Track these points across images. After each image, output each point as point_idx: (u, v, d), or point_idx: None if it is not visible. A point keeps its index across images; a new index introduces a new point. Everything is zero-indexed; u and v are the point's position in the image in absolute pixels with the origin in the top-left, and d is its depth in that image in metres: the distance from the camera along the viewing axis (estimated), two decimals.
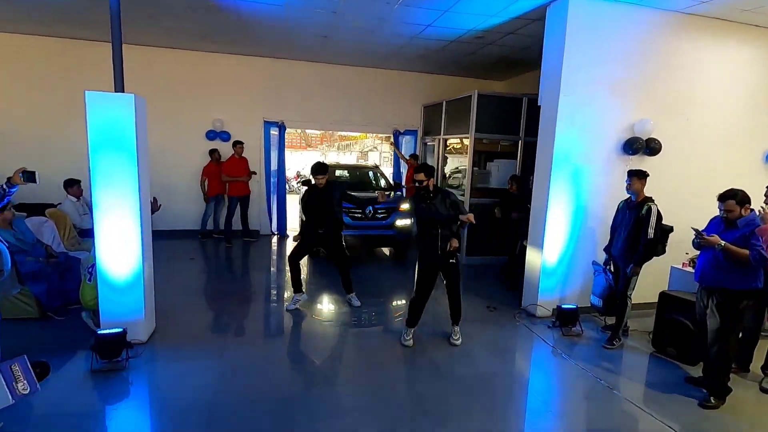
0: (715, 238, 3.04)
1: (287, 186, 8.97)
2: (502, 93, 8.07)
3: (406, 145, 9.01)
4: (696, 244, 3.22)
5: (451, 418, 2.95)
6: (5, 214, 3.84)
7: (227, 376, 3.37)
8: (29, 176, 2.82)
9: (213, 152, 7.41)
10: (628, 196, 4.05)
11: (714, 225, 3.27)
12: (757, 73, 4.98)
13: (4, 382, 0.86)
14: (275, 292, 5.52)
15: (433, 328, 4.33)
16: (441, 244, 3.80)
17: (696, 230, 3.16)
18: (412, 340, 3.96)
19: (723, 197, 3.11)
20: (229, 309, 4.77)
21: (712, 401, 3.18)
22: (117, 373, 3.29)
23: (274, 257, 7.29)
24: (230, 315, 4.64)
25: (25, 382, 0.89)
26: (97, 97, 3.34)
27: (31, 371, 0.91)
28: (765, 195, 3.80)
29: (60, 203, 5.62)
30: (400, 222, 6.58)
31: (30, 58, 6.96)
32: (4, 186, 2.76)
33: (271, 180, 8.42)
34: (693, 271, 4.15)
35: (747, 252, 2.93)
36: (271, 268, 6.66)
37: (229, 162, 7.28)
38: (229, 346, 3.90)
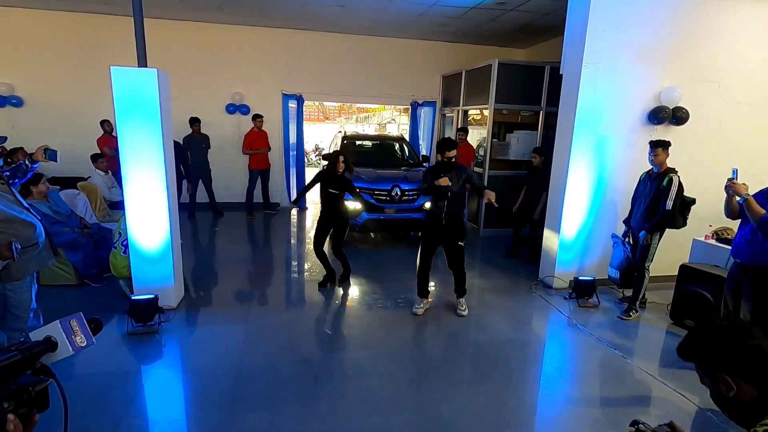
0: (744, 186, 2.92)
1: (305, 159, 9.05)
2: (524, 61, 7.84)
3: (425, 117, 8.91)
4: (726, 188, 3.03)
5: (467, 382, 3.07)
6: (40, 188, 4.03)
7: (252, 339, 3.56)
8: (52, 154, 2.86)
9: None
10: (651, 167, 3.97)
11: (761, 195, 3.03)
12: None
13: (64, 335, 0.98)
14: (296, 263, 5.69)
15: (449, 300, 4.43)
16: (446, 216, 3.84)
17: (735, 170, 2.99)
18: (422, 309, 4.06)
19: None
20: (253, 278, 4.96)
21: None
22: (151, 335, 3.51)
23: (294, 229, 7.45)
24: (254, 283, 4.83)
25: (82, 335, 1.00)
26: (122, 72, 3.43)
27: (87, 326, 1.03)
28: None
29: (89, 177, 5.84)
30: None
31: (52, 34, 7.09)
32: (27, 162, 2.83)
33: (290, 153, 8.49)
34: (716, 243, 4.11)
35: (763, 212, 2.82)
36: (291, 240, 6.83)
37: (249, 135, 7.35)
38: (253, 312, 4.08)
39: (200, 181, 7.29)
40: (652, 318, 4.19)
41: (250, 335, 3.62)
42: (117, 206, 5.76)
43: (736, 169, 2.99)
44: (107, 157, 6.03)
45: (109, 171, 5.94)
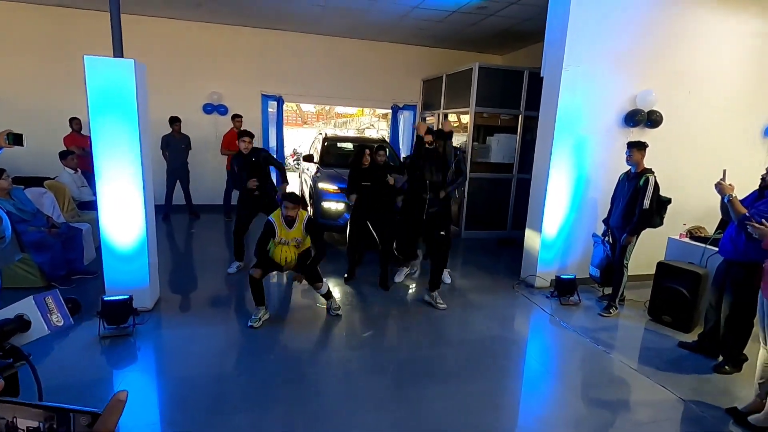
0: (731, 186, 3.03)
1: (284, 163, 8.91)
2: (504, 66, 7.99)
3: (405, 120, 8.94)
4: (715, 186, 3.13)
5: (453, 377, 3.05)
6: (1, 183, 3.80)
7: (233, 341, 3.44)
8: (16, 138, 2.67)
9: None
10: (629, 168, 4.08)
11: (750, 196, 3.16)
12: (758, 47, 4.95)
13: (39, 313, 0.88)
14: None
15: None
16: (427, 208, 3.85)
17: (724, 170, 3.10)
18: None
19: None
20: (231, 279, 4.81)
21: (728, 368, 3.26)
22: (124, 338, 3.34)
23: None
24: (231, 285, 4.68)
25: (58, 314, 0.91)
26: (97, 62, 3.29)
27: (64, 305, 0.93)
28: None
29: (56, 176, 5.57)
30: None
31: (23, 26, 6.78)
32: None
33: None
34: (690, 241, 4.24)
35: (744, 211, 2.94)
36: None
37: (228, 135, 7.17)
38: (232, 313, 3.96)
39: (177, 181, 7.07)
40: (631, 315, 4.29)
41: (230, 337, 3.50)
42: (87, 206, 5.52)
43: (725, 170, 3.12)
44: (77, 155, 5.78)
45: (79, 169, 5.69)
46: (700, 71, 4.80)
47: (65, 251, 4.25)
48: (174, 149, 6.88)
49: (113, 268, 3.58)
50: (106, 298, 3.34)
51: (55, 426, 0.48)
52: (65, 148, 5.90)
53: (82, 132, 6.48)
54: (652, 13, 4.52)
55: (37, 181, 5.21)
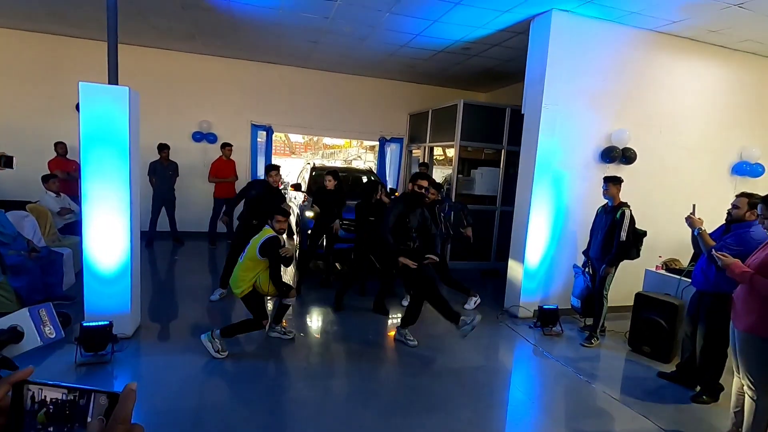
0: (700, 220, 3.19)
1: None
2: (487, 103, 8.33)
3: (392, 153, 9.15)
4: (686, 219, 3.29)
5: (438, 408, 3.03)
6: None
7: (213, 369, 3.37)
8: (6, 161, 2.75)
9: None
10: (606, 201, 4.25)
11: (719, 230, 3.29)
12: (723, 90, 5.32)
13: (33, 325, 0.91)
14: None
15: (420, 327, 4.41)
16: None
17: (693, 205, 3.26)
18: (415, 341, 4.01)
19: (740, 194, 3.14)
20: (212, 308, 4.74)
21: (705, 398, 3.32)
22: (102, 366, 3.25)
23: None
24: (213, 313, 4.61)
25: (51, 326, 0.93)
26: (92, 88, 3.35)
27: (56, 318, 0.96)
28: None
29: (38, 200, 5.50)
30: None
31: (16, 54, 6.85)
32: None
33: None
34: (666, 273, 4.39)
35: (713, 243, 3.09)
36: None
37: (216, 163, 7.24)
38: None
39: (162, 208, 7.03)
40: (612, 345, 4.35)
41: (210, 366, 3.42)
42: (68, 230, 5.44)
43: (695, 204, 3.29)
44: (59, 179, 5.73)
45: (62, 193, 5.64)
46: (669, 112, 5.11)
47: (44, 276, 4.16)
48: (161, 176, 6.89)
49: (95, 292, 3.51)
50: (85, 324, 3.27)
51: (76, 399, 0.52)
52: (47, 172, 5.86)
53: (67, 156, 6.45)
54: (623, 57, 4.84)
55: (20, 206, 5.13)
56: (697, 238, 3.17)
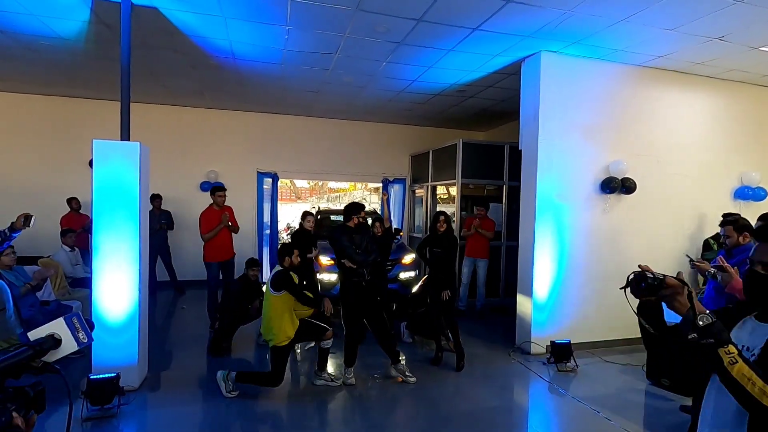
0: (706, 264, 3.16)
1: (278, 237, 9.04)
2: (486, 141, 8.54)
3: (395, 193, 9.29)
4: (694, 268, 3.21)
5: None
6: (3, 260, 3.87)
7: (221, 423, 3.29)
8: (26, 219, 2.96)
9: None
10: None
11: (720, 253, 3.23)
12: (717, 118, 5.43)
13: (69, 332, 1.02)
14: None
15: (428, 366, 4.32)
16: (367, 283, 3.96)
17: (689, 257, 3.26)
18: (353, 378, 3.94)
19: (723, 223, 3.14)
20: (220, 358, 4.68)
21: None
22: (107, 420, 3.20)
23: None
24: (221, 364, 4.54)
25: (83, 332, 1.04)
26: (105, 145, 3.53)
27: (86, 324, 1.07)
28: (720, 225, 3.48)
29: (51, 254, 5.62)
30: (404, 275, 6.03)
31: (25, 116, 7.22)
32: (6, 231, 2.87)
33: (264, 232, 8.51)
34: None
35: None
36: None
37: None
38: (219, 395, 3.80)
39: (158, 257, 7.05)
40: (630, 379, 4.21)
41: (220, 419, 3.36)
42: (79, 283, 5.51)
43: (688, 255, 3.25)
44: (76, 233, 5.87)
45: (76, 248, 5.77)
46: (664, 142, 5.20)
47: None
48: (152, 226, 6.14)
49: (102, 343, 3.51)
50: (92, 377, 3.26)
51: None
52: (62, 228, 6.02)
53: (80, 211, 6.63)
54: (613, 91, 5.00)
55: (32, 261, 5.25)
56: (717, 274, 3.11)
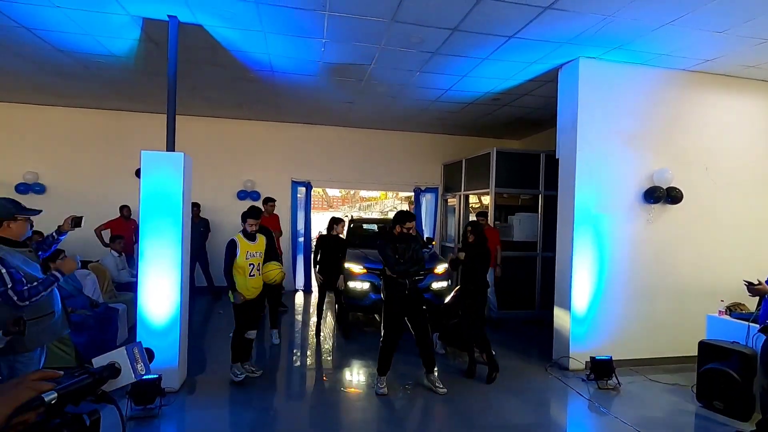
0: (764, 286, 3.00)
1: (311, 245, 9.16)
2: (520, 149, 8.38)
3: (427, 202, 9.26)
4: (752, 291, 3.14)
5: None
6: (67, 264, 4.11)
7: (258, 425, 3.34)
8: (75, 221, 3.05)
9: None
10: None
11: None
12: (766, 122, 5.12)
13: (129, 362, 1.03)
14: (298, 349, 5.51)
15: (461, 379, 4.24)
16: (410, 286, 3.95)
17: (746, 282, 3.13)
18: (386, 388, 3.93)
19: None
20: (257, 361, 4.77)
21: None
22: (149, 420, 3.31)
23: (300, 311, 7.32)
24: (260, 364, 4.63)
25: (142, 364, 1.05)
26: (152, 156, 3.71)
27: (146, 355, 1.08)
28: None
29: (99, 259, 5.93)
30: (437, 285, 5.89)
31: (79, 128, 7.69)
32: (54, 234, 2.98)
33: (298, 239, 8.66)
34: (731, 318, 4.05)
35: None
36: (296, 323, 6.68)
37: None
38: (256, 397, 3.87)
39: (196, 264, 7.31)
40: (678, 400, 3.97)
41: (257, 420, 3.42)
42: (124, 287, 5.78)
43: (745, 280, 3.13)
44: (124, 239, 6.19)
45: (123, 253, 6.06)
46: (713, 149, 4.94)
47: (101, 332, 4.39)
48: (192, 233, 6.94)
49: (146, 345, 3.64)
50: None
51: None
52: (110, 232, 6.37)
53: (131, 218, 6.97)
54: (656, 97, 4.81)
55: (82, 264, 5.55)
56: None
